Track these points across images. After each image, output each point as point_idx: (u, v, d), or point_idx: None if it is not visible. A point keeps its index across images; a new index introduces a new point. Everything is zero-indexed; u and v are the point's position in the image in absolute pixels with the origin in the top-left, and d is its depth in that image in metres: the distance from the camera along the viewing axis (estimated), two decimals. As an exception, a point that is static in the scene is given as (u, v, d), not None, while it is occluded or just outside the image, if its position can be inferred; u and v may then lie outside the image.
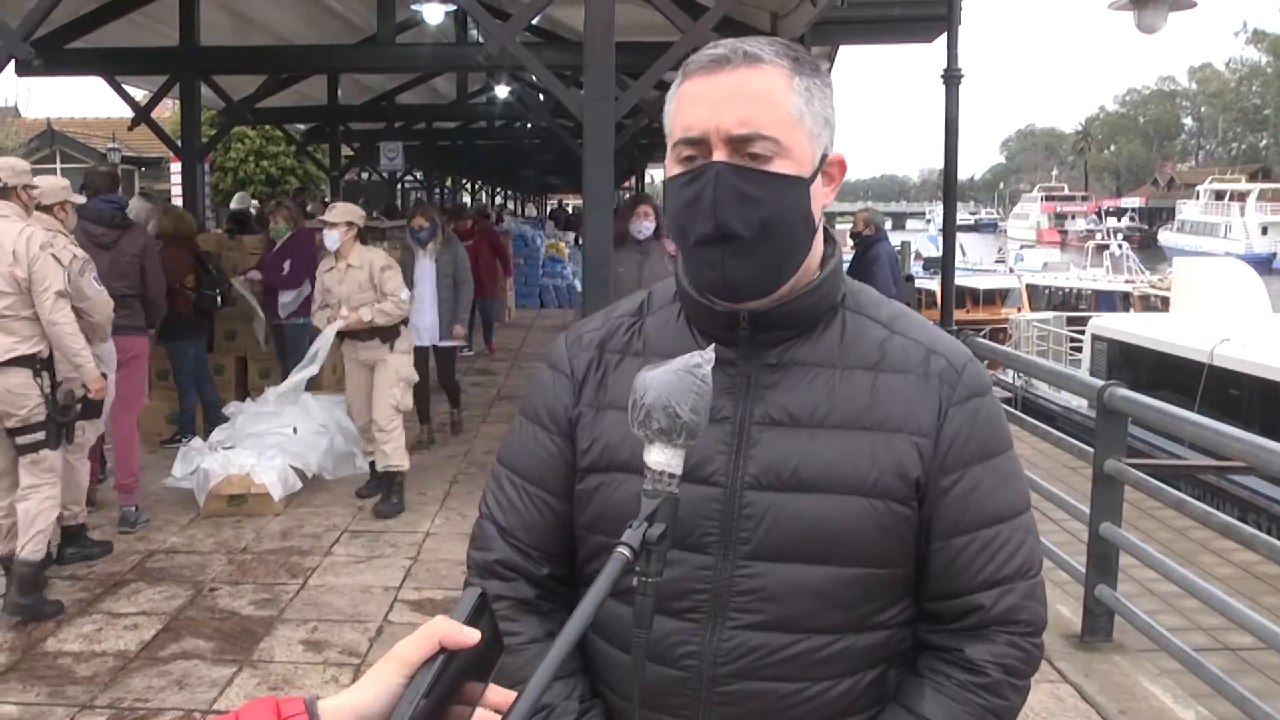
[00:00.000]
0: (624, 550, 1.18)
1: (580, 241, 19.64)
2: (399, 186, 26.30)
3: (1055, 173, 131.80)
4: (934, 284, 23.62)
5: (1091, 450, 5.56)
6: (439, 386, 9.97)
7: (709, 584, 1.48)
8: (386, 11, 10.56)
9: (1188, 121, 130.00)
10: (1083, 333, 20.59)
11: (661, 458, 1.23)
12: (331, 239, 7.38)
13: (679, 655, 1.50)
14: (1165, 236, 76.42)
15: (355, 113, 17.46)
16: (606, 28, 6.02)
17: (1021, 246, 61.89)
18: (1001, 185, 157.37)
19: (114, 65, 11.11)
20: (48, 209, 6.07)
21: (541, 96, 16.22)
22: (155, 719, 4.61)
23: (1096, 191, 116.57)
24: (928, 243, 41.16)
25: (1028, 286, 32.85)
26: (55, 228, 5.88)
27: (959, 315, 19.91)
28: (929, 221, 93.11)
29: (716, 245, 1.46)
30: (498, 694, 1.01)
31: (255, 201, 17.31)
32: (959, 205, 11.95)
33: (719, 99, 1.45)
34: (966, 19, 10.07)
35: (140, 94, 12.82)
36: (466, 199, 32.76)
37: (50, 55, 8.77)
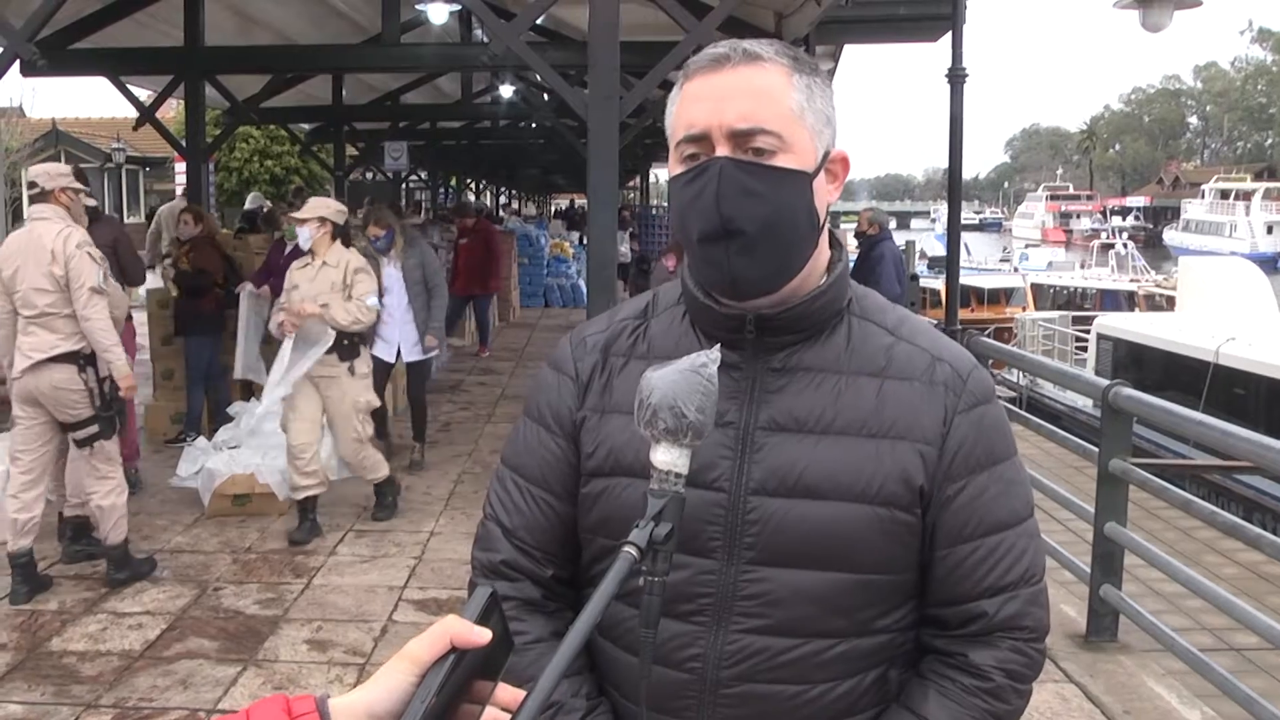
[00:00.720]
0: (631, 550, 1.18)
1: (585, 241, 19.65)
2: (403, 186, 26.32)
3: (1060, 172, 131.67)
4: (939, 283, 23.61)
5: (1096, 450, 5.55)
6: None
7: (713, 588, 1.49)
8: (391, 11, 10.55)
9: (1193, 120, 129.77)
10: (1088, 332, 20.59)
11: (668, 457, 1.23)
12: (303, 236, 6.86)
13: (684, 658, 1.51)
14: (1170, 236, 76.30)
15: (360, 112, 17.46)
16: (611, 27, 6.02)
17: (1026, 246, 61.86)
18: (1006, 184, 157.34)
19: (119, 65, 11.12)
20: (50, 196, 6.07)
21: (546, 96, 16.24)
22: (160, 718, 4.61)
23: (1101, 191, 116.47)
24: (934, 242, 41.14)
25: (1033, 286, 32.84)
26: (64, 216, 5.97)
27: (963, 314, 19.84)
28: (934, 221, 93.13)
29: (721, 241, 1.46)
30: (507, 693, 1.01)
31: (269, 202, 17.31)
32: (964, 204, 11.93)
33: (720, 95, 1.46)
34: (971, 18, 10.06)
35: (145, 94, 12.83)
36: (471, 197, 32.72)
37: (55, 55, 8.80)
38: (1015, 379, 19.44)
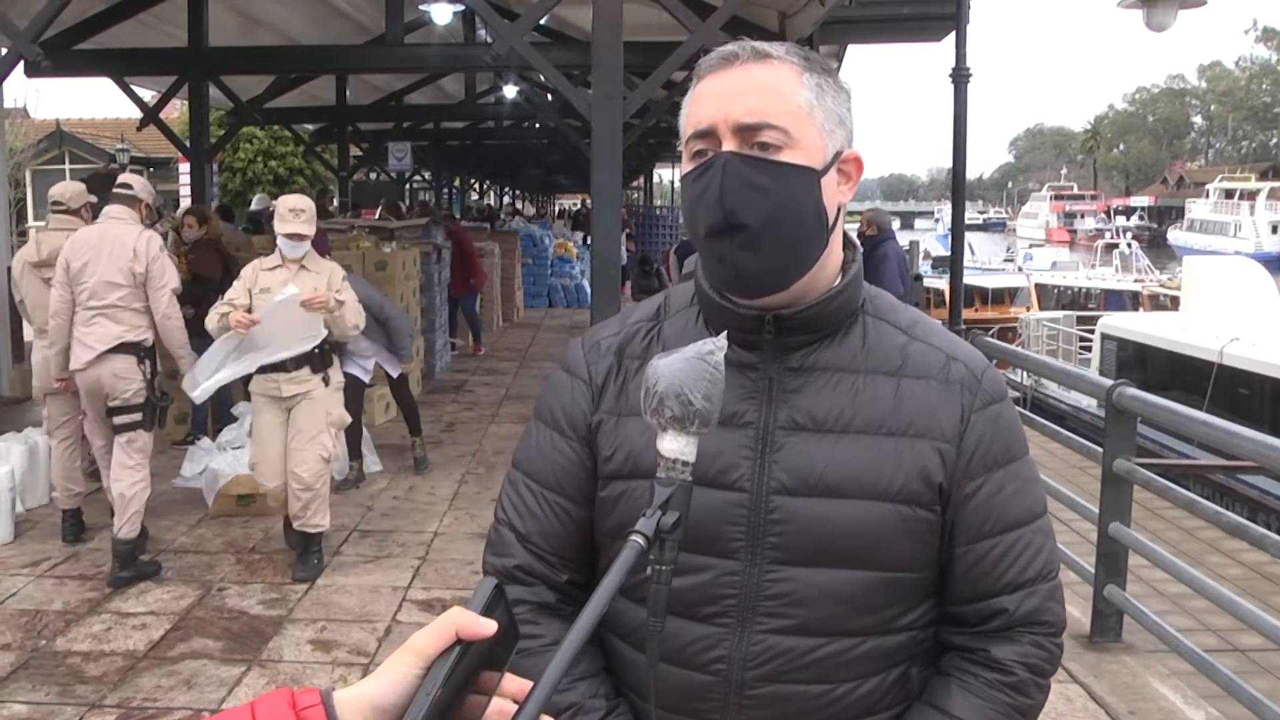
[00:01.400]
0: (638, 538, 1.17)
1: (589, 241, 19.64)
2: (407, 186, 26.34)
3: (1064, 172, 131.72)
4: (943, 283, 23.60)
5: (1101, 450, 5.54)
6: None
7: (737, 589, 1.49)
8: (395, 12, 10.57)
9: (1197, 120, 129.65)
10: (1092, 332, 20.56)
11: (675, 445, 1.23)
12: (300, 250, 6.15)
13: (708, 660, 1.50)
14: (1175, 235, 76.23)
15: (363, 113, 17.50)
16: (615, 27, 6.02)
17: (1030, 245, 61.83)
18: (1010, 184, 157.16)
19: (123, 66, 11.14)
20: (75, 211, 6.80)
21: (549, 96, 16.27)
22: (164, 718, 4.62)
23: (1106, 190, 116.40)
24: (935, 243, 41.10)
25: (1036, 286, 32.79)
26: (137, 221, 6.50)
27: (967, 314, 19.84)
28: (937, 221, 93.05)
29: (725, 236, 1.46)
30: (513, 683, 1.01)
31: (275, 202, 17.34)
32: (968, 204, 11.93)
33: (728, 92, 1.46)
34: (975, 18, 10.05)
35: (149, 95, 12.86)
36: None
37: (59, 56, 8.81)
38: (1019, 379, 19.44)
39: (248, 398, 9.08)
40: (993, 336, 16.02)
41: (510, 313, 18.98)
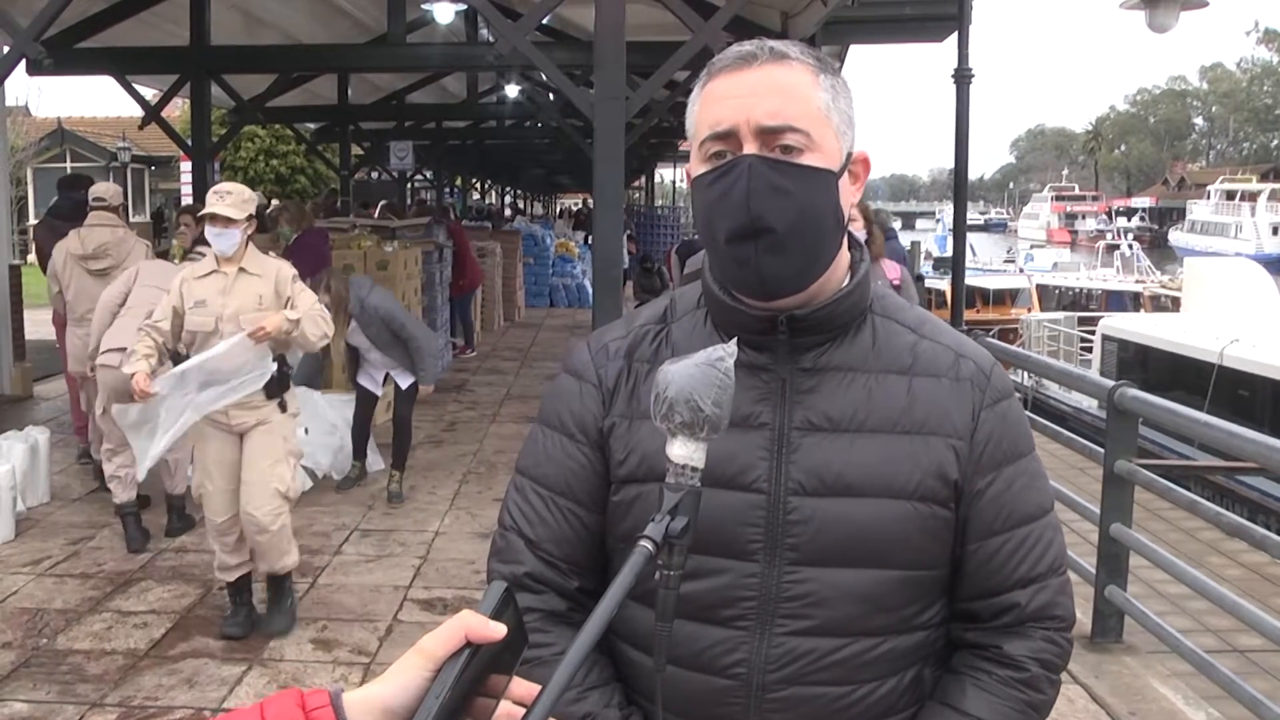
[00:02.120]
0: (647, 543, 1.17)
1: (590, 240, 19.64)
2: (409, 186, 26.33)
3: (1065, 172, 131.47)
4: (944, 284, 23.59)
5: (1102, 451, 5.54)
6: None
7: (756, 591, 1.48)
8: (397, 11, 10.56)
9: (1198, 121, 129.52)
10: (1093, 333, 20.57)
11: (684, 451, 1.23)
12: (228, 242, 5.17)
13: (728, 664, 1.50)
14: (1176, 236, 76.22)
15: (365, 112, 17.48)
16: (617, 27, 6.02)
17: (1031, 246, 61.75)
18: (1011, 185, 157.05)
19: (124, 64, 11.12)
20: (114, 209, 7.66)
21: (551, 96, 16.25)
22: (165, 717, 4.62)
23: (1107, 191, 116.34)
24: (934, 243, 41.07)
25: (1038, 286, 32.79)
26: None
27: (969, 315, 19.89)
28: (938, 221, 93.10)
29: (749, 240, 1.45)
30: (522, 687, 1.01)
31: (276, 202, 17.37)
32: (969, 205, 11.93)
33: (748, 93, 1.45)
34: (977, 18, 10.05)
35: (150, 93, 12.84)
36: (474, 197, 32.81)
37: (61, 55, 8.80)
38: (1021, 380, 19.44)
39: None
40: (994, 337, 16.04)
41: (512, 312, 18.99)
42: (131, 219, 31.83)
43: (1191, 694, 4.89)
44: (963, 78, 9.68)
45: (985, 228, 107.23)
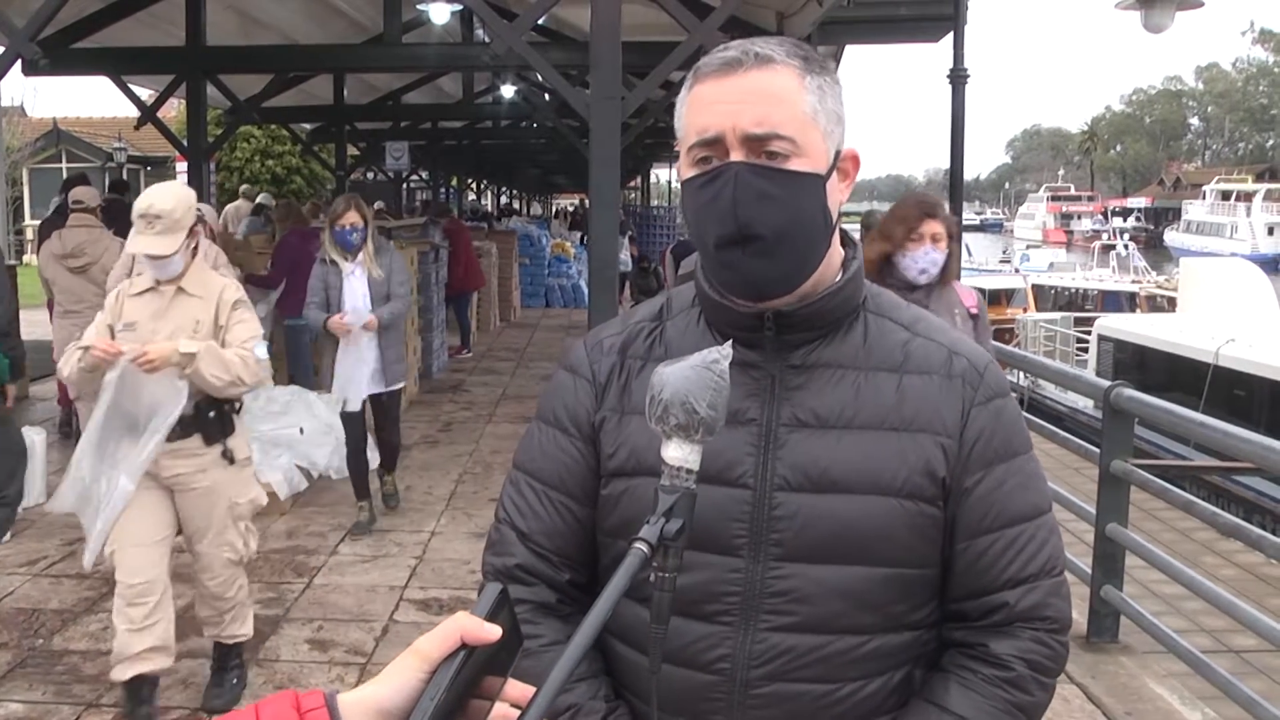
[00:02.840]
0: (641, 545, 1.17)
1: (585, 240, 19.61)
2: (404, 186, 26.32)
3: (1061, 173, 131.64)
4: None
5: (1098, 450, 5.55)
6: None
7: (740, 586, 1.49)
8: (392, 11, 10.56)
9: (1194, 121, 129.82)
10: (1089, 333, 20.59)
11: (679, 453, 1.23)
12: (167, 271, 4.30)
13: (711, 659, 1.50)
14: (1171, 237, 76.32)
15: (361, 112, 17.47)
16: (612, 27, 6.02)
17: (1027, 247, 61.75)
18: (1007, 185, 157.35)
19: (120, 65, 11.12)
20: (91, 210, 8.24)
21: (547, 96, 16.27)
22: (161, 717, 4.61)
23: (1102, 192, 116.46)
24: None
25: (1033, 287, 32.78)
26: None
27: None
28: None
29: (737, 246, 1.46)
30: (516, 688, 1.01)
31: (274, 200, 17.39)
32: (965, 205, 11.94)
33: (734, 100, 1.45)
34: (972, 18, 10.07)
35: (146, 93, 12.84)
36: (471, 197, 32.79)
37: (57, 55, 8.80)
38: (1016, 380, 19.45)
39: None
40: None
41: (507, 313, 18.99)
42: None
43: (1187, 694, 4.89)
44: (958, 78, 9.70)
45: (981, 228, 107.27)
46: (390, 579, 6.27)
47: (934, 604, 1.56)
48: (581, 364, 1.64)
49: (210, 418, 4.38)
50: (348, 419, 6.99)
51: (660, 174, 47.66)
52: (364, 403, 7.01)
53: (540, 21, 8.59)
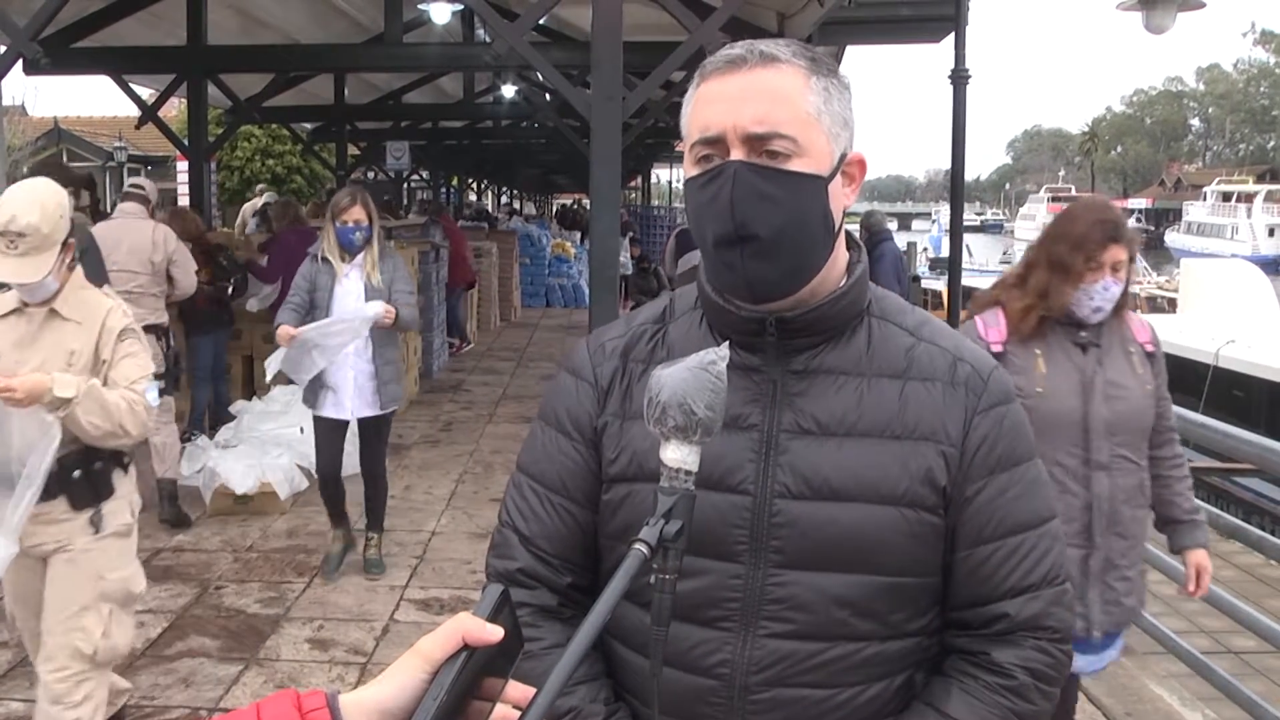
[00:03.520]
0: (641, 547, 1.17)
1: (585, 240, 19.63)
2: (405, 186, 26.31)
3: (1062, 174, 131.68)
4: (940, 284, 23.59)
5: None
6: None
7: (740, 592, 1.49)
8: (393, 11, 10.55)
9: (1195, 122, 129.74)
10: (1089, 334, 20.53)
11: (678, 455, 1.23)
12: (39, 294, 3.51)
13: (711, 664, 1.50)
14: (1172, 238, 76.28)
15: (362, 112, 17.47)
16: (614, 27, 6.01)
17: (1028, 247, 61.77)
18: (1008, 186, 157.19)
19: (121, 64, 11.13)
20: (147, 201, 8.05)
21: (548, 96, 16.24)
22: (161, 716, 4.62)
23: (1103, 192, 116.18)
24: (930, 244, 41.02)
25: (1034, 287, 32.70)
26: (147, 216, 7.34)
27: (965, 316, 19.83)
28: (934, 222, 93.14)
29: (735, 245, 1.45)
30: (517, 690, 1.02)
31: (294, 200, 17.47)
32: (965, 206, 11.94)
33: (735, 98, 1.44)
34: (974, 19, 10.03)
35: (147, 93, 12.85)
36: (473, 197, 32.78)
37: (58, 54, 8.79)
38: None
39: (247, 397, 9.16)
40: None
41: (508, 312, 18.99)
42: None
43: (1187, 695, 4.90)
44: (959, 79, 9.67)
45: (982, 229, 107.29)
46: (391, 579, 6.27)
47: (935, 611, 1.55)
48: (584, 366, 1.63)
49: (75, 479, 3.54)
50: (325, 428, 6.09)
51: (661, 174, 47.61)
52: (348, 422, 6.16)
53: (541, 21, 8.59)
